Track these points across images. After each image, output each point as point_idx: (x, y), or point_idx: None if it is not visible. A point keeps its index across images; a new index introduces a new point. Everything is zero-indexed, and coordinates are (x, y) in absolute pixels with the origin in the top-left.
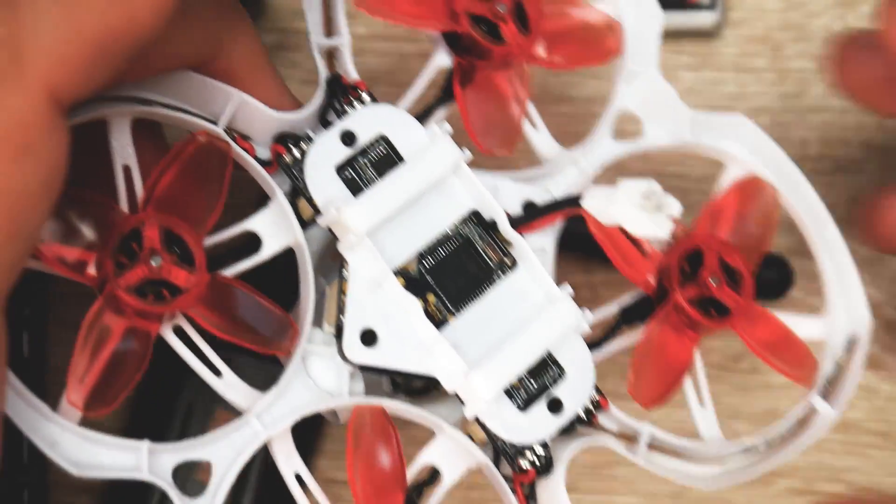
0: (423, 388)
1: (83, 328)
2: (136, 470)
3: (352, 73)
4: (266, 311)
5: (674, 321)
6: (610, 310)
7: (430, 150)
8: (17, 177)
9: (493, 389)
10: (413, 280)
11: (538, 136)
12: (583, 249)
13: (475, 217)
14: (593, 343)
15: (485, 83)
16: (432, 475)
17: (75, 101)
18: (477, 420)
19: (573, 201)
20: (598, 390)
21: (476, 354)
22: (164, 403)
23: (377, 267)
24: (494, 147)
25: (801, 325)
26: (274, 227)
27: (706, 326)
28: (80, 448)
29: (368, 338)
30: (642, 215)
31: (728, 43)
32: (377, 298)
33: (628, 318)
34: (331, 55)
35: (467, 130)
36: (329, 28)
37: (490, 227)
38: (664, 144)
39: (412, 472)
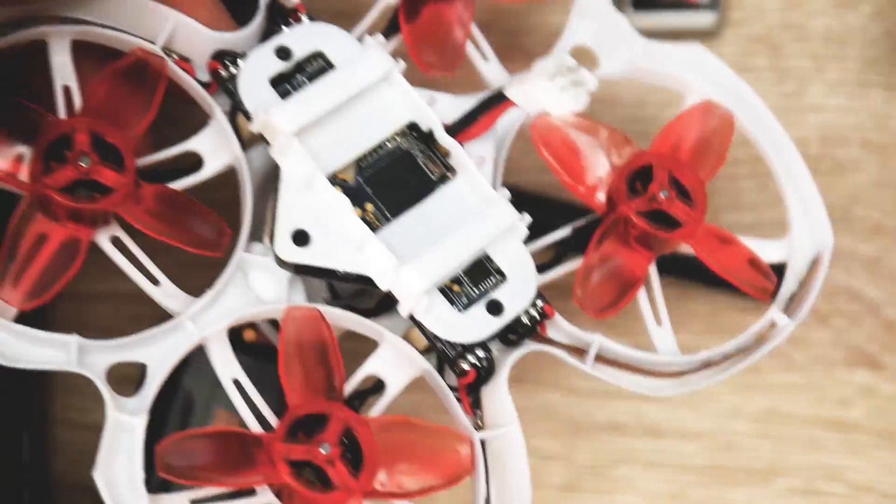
0: (369, 310)
1: (10, 229)
2: (66, 364)
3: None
4: (200, 214)
5: (624, 236)
6: (563, 233)
7: (362, 58)
8: None
9: (425, 283)
10: (350, 189)
11: (488, 66)
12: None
13: (414, 129)
14: (544, 265)
15: (429, 14)
16: (376, 385)
17: None
18: (414, 320)
19: (499, 96)
20: (542, 298)
21: (410, 253)
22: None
23: (307, 168)
24: (436, 69)
25: (763, 249)
26: (215, 147)
27: (659, 240)
28: (13, 345)
29: (301, 238)
30: (559, 92)
31: (728, 43)
32: (309, 199)
33: (581, 239)
34: None
35: (410, 55)
36: None
37: (429, 139)
38: (619, 74)
39: (354, 382)
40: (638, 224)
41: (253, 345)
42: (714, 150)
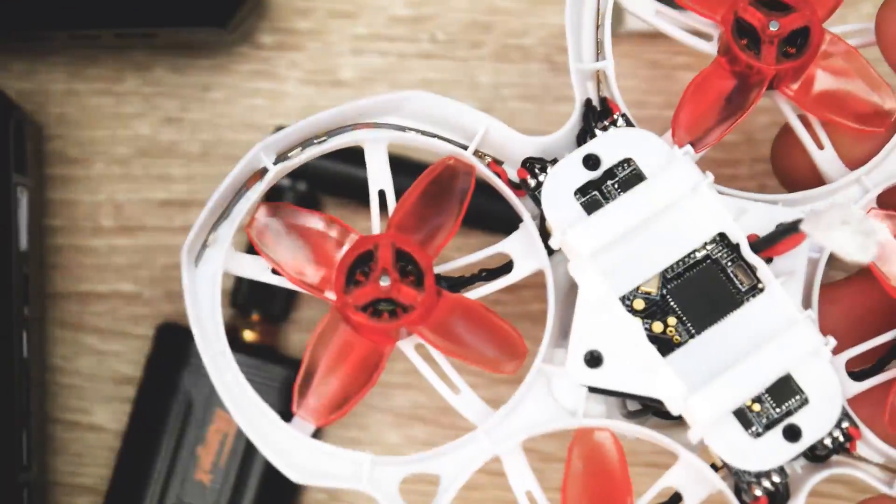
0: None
1: (314, 338)
2: (357, 482)
3: (617, 96)
4: (497, 332)
5: None
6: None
7: (668, 171)
8: None
9: (715, 412)
10: (653, 301)
11: (823, 155)
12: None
13: (724, 239)
14: (861, 372)
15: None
16: (674, 498)
17: None
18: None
19: (793, 226)
20: (849, 419)
21: (702, 378)
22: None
23: (601, 289)
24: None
25: None
26: (525, 250)
27: None
28: (308, 461)
29: (593, 360)
30: (847, 239)
31: None
32: (603, 320)
33: None
34: (597, 80)
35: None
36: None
37: (738, 250)
38: None
39: (651, 495)
40: None
41: (253, 345)
42: None
